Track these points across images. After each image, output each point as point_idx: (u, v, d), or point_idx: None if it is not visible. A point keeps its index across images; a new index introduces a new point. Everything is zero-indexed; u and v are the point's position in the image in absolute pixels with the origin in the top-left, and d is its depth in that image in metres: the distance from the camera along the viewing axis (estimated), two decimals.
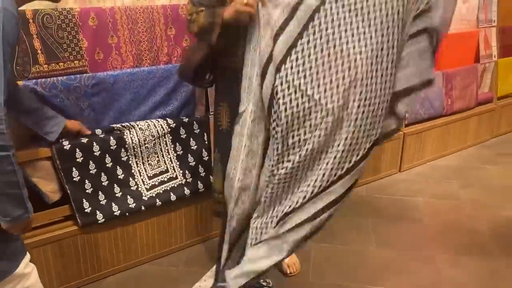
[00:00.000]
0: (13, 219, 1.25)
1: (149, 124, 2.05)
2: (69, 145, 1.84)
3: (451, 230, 2.48)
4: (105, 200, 1.96)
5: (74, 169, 1.87)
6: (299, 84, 1.35)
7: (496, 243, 2.33)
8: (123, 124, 2.01)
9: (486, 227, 2.49)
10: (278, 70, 1.35)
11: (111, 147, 1.95)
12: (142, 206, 2.05)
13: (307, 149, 1.41)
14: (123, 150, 1.99)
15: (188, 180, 2.19)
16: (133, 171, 2.04)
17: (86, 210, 1.92)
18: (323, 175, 1.44)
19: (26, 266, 1.38)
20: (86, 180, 1.91)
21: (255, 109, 1.49)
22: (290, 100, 1.36)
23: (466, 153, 3.57)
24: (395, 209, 2.70)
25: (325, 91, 1.35)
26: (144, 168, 2.08)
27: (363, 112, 1.38)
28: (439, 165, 3.36)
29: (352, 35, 1.33)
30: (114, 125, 1.99)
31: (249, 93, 1.50)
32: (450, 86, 3.36)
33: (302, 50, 1.33)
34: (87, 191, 1.91)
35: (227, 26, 1.47)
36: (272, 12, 1.36)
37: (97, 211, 1.94)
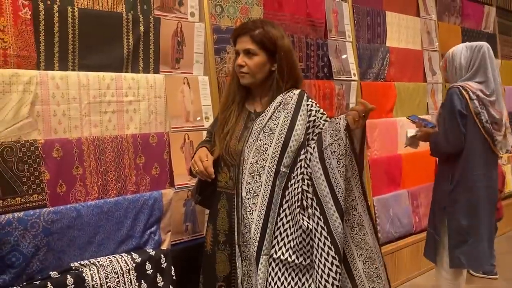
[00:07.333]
0: None
1: (111, 260, 1.86)
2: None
3: None
4: None
5: None
6: None
7: None
8: (82, 263, 1.81)
9: None
10: None
11: None
12: None
13: None
14: None
15: None
16: None
17: None
18: None
19: None
20: None
21: None
22: None
23: None
24: None
25: None
26: None
27: None
28: (416, 284, 3.24)
29: None
30: (72, 264, 1.79)
31: None
32: (416, 203, 3.41)
33: None
34: None
35: None
36: None
37: None
